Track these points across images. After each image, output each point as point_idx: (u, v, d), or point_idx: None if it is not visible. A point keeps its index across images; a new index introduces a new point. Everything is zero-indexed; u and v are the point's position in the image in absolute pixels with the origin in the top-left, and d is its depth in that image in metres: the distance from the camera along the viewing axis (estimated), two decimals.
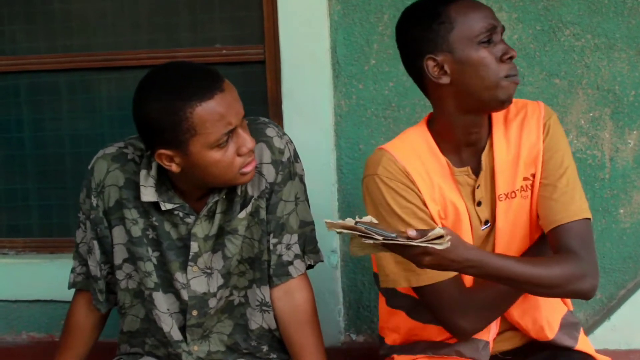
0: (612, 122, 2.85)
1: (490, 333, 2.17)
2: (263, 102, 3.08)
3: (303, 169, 2.33)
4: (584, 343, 2.24)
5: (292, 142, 2.30)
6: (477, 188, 2.11)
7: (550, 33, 2.83)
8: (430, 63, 2.02)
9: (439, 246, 1.74)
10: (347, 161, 2.97)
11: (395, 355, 2.28)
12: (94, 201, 2.27)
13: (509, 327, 2.20)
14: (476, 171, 2.11)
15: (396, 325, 2.28)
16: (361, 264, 3.00)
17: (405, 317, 2.25)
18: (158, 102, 2.04)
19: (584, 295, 2.00)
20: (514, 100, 2.08)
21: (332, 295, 3.00)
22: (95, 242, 2.30)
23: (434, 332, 2.20)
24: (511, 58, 2.01)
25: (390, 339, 2.31)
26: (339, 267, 3.01)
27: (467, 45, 1.99)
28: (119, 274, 2.30)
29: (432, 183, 2.08)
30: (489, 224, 2.13)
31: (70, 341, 2.41)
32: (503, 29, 2.05)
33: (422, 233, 1.75)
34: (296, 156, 2.31)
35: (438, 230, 1.74)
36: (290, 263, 2.30)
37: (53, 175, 3.29)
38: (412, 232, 1.75)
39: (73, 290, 2.44)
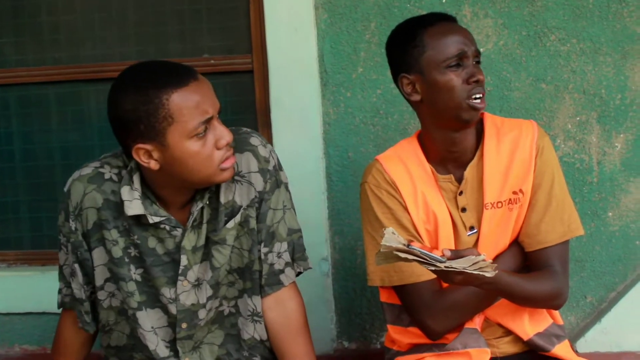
0: (599, 125, 2.86)
1: (474, 323, 2.24)
2: (251, 111, 3.09)
3: (286, 177, 2.33)
4: (563, 350, 2.27)
5: (274, 151, 2.30)
6: (460, 195, 2.23)
7: (536, 38, 2.85)
8: (405, 81, 2.21)
9: (488, 274, 1.88)
10: (336, 169, 2.97)
11: (399, 357, 2.32)
12: (73, 225, 2.23)
13: (507, 332, 2.28)
14: (459, 179, 2.24)
15: (394, 338, 2.36)
16: (352, 271, 3.01)
17: (392, 327, 2.35)
18: (133, 94, 2.01)
19: (556, 307, 2.25)
20: (508, 119, 2.29)
21: (323, 303, 3.01)
22: (77, 266, 2.27)
23: (417, 334, 2.28)
24: (477, 81, 2.13)
25: (395, 346, 2.37)
26: (330, 275, 3.01)
27: (435, 69, 2.14)
28: (101, 294, 2.27)
29: (416, 190, 2.24)
30: (475, 230, 2.24)
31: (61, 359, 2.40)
32: (477, 52, 2.17)
33: (455, 253, 1.90)
34: (280, 165, 2.30)
35: (483, 257, 1.89)
36: (282, 271, 2.30)
37: (43, 187, 3.29)
38: (447, 252, 1.90)
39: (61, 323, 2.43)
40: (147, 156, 2.07)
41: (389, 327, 2.36)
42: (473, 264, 1.88)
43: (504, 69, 2.87)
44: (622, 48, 2.82)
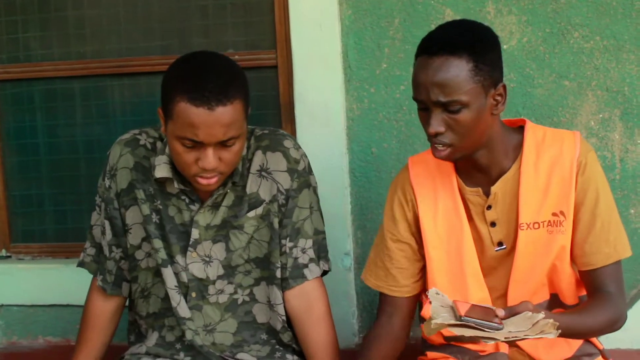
0: (622, 123, 2.87)
1: (505, 348, 2.20)
2: (275, 107, 3.11)
3: (316, 182, 2.42)
4: None
5: (306, 156, 2.40)
6: (488, 209, 2.15)
7: (560, 35, 2.85)
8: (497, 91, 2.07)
9: (551, 335, 1.79)
10: (359, 164, 2.99)
11: (428, 352, 2.34)
12: (107, 182, 2.38)
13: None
14: (487, 192, 2.15)
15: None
16: None
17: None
18: (175, 74, 2.17)
19: (616, 330, 2.12)
20: (551, 130, 2.17)
21: (345, 297, 3.02)
22: (107, 222, 2.40)
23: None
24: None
25: (429, 341, 2.36)
26: (352, 270, 3.03)
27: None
28: (139, 254, 2.38)
29: (437, 204, 2.19)
30: (504, 247, 2.16)
31: (88, 333, 2.46)
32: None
33: (510, 311, 1.83)
34: (310, 169, 2.41)
35: (542, 315, 1.80)
36: (306, 266, 2.37)
37: (68, 180, 3.32)
38: (500, 312, 1.82)
39: (89, 294, 2.50)
40: (162, 121, 2.22)
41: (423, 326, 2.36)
42: (533, 326, 1.79)
43: (527, 66, 2.87)
44: None
